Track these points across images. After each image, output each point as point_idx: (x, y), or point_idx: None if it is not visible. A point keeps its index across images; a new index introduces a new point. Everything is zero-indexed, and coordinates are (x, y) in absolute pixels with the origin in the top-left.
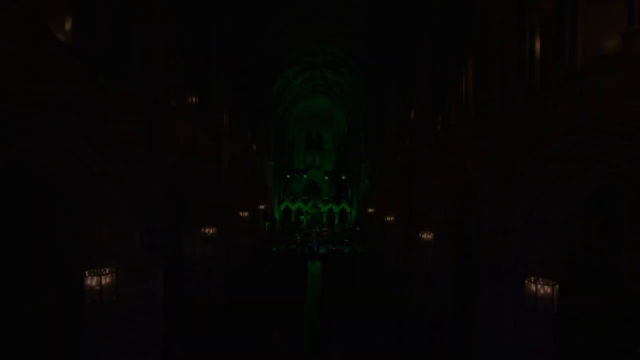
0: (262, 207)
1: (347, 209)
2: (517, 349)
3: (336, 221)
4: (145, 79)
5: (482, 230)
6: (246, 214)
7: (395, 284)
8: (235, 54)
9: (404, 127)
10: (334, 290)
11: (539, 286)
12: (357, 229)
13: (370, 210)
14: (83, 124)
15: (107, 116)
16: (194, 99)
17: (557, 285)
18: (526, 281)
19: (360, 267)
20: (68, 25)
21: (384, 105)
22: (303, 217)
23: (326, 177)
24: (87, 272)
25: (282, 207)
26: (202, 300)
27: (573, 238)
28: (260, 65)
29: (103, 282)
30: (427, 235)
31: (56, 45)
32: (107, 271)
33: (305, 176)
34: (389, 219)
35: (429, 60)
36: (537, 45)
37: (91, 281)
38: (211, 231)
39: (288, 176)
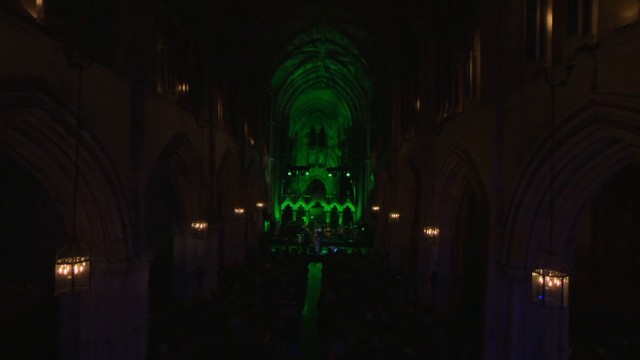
0: (260, 205)
1: (352, 208)
2: (527, 349)
3: (340, 221)
4: (128, 61)
5: (489, 222)
6: (242, 211)
7: (401, 285)
8: (230, 42)
9: (410, 118)
10: (335, 292)
11: (547, 279)
12: (362, 229)
13: (375, 208)
14: (55, 103)
15: (82, 97)
16: (184, 87)
17: (567, 278)
18: (533, 273)
19: (364, 269)
20: (39, 0)
21: (390, 96)
22: (305, 217)
23: (330, 175)
24: (58, 260)
25: (283, 206)
26: (192, 301)
27: (593, 230)
28: (258, 55)
29: (75, 271)
30: (432, 232)
31: (25, 20)
32: (80, 260)
33: (307, 174)
34: (394, 216)
35: (434, 44)
36: (549, 21)
37: (63, 270)
38: (202, 227)
39: (289, 173)
